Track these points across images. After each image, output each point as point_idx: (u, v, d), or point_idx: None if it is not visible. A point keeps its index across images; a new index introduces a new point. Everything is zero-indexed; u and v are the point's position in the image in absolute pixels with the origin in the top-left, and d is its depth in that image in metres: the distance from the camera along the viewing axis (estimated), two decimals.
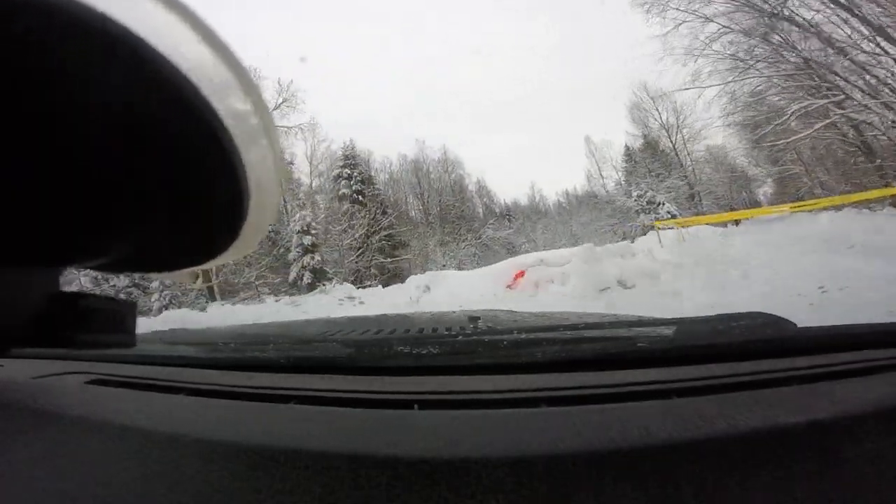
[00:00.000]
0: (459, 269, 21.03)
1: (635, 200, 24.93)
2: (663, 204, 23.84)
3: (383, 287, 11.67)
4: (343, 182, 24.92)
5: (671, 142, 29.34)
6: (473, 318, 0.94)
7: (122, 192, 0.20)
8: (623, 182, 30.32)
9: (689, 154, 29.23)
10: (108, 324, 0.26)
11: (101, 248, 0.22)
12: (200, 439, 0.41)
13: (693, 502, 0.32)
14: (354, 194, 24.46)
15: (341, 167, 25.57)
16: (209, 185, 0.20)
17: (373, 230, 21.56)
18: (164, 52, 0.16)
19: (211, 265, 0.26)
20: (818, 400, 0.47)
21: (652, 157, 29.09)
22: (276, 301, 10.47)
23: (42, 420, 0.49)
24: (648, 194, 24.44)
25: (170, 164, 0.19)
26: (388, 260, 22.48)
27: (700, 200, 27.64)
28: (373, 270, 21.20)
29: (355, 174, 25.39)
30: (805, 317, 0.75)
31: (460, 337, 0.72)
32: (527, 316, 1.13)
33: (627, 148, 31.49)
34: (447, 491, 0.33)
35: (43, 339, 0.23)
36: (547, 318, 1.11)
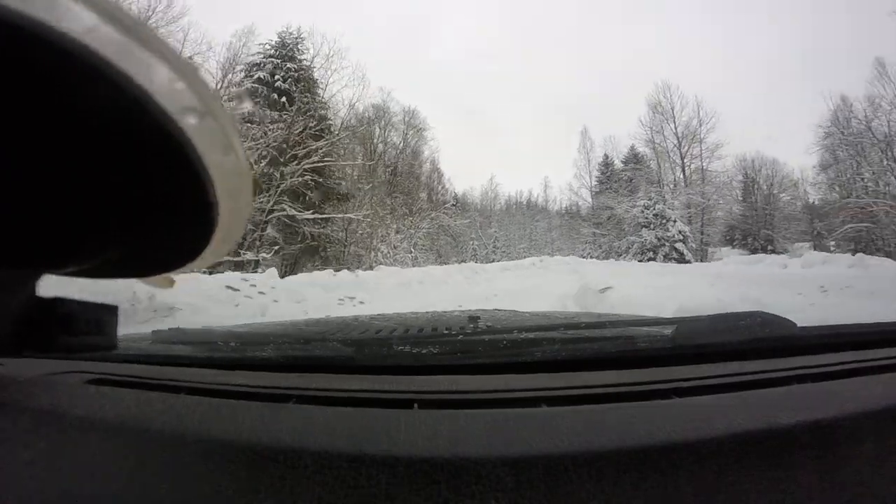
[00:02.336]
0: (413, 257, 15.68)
1: (642, 212, 21.33)
2: (675, 221, 20.45)
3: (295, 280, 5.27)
4: (262, 74, 15.22)
5: (679, 153, 26.11)
6: (473, 318, 0.94)
7: (98, 199, 0.20)
8: (595, 191, 28.37)
9: (698, 170, 24.87)
10: (88, 327, 0.26)
11: (78, 255, 0.23)
12: (200, 439, 0.41)
13: (693, 502, 0.32)
14: (275, 93, 14.65)
15: (268, 57, 16.02)
16: (180, 195, 0.21)
17: (292, 154, 11.50)
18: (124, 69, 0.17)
19: (187, 270, 0.27)
20: (818, 400, 0.47)
21: (636, 170, 26.32)
22: None
23: (42, 419, 0.49)
24: (658, 207, 20.93)
25: (139, 175, 0.20)
26: (311, 215, 11.68)
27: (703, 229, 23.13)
28: (271, 233, 11.35)
29: (290, 68, 15.71)
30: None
31: (460, 336, 0.72)
32: (527, 316, 1.13)
33: (606, 157, 30.10)
34: (447, 491, 0.33)
35: (23, 343, 0.23)
36: (547, 318, 1.12)
